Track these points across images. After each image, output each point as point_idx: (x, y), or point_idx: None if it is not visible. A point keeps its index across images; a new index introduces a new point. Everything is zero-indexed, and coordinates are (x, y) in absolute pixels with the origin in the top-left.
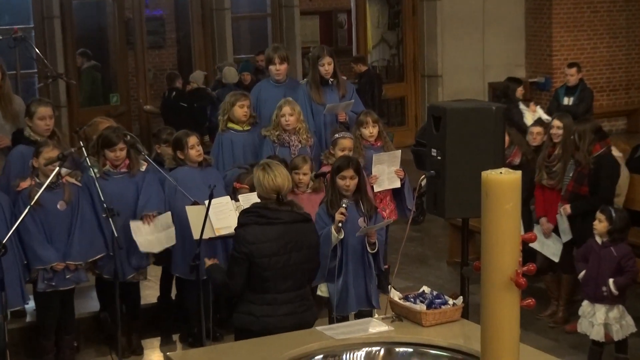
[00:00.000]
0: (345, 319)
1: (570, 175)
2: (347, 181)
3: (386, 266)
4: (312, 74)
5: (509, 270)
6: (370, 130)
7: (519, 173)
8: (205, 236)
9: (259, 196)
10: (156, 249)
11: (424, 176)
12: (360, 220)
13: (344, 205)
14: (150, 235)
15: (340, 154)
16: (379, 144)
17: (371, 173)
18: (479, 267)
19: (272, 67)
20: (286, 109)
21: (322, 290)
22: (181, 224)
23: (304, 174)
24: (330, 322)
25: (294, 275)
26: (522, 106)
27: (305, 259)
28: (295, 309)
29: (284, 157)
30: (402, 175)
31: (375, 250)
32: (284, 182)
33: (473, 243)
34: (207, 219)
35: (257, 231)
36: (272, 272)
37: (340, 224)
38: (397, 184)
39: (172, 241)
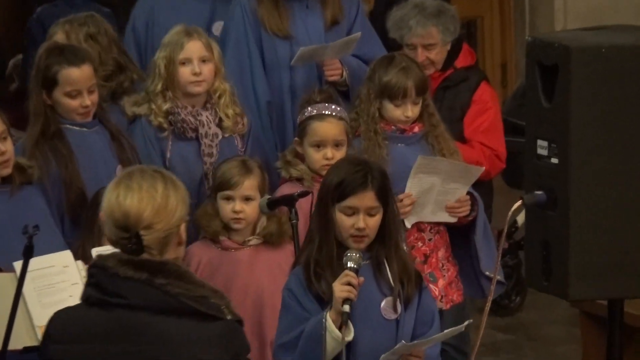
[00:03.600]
0: None
1: None
2: (361, 220)
3: None
4: None
5: None
6: (410, 109)
7: None
8: (16, 344)
9: (108, 239)
10: None
11: (519, 203)
12: (385, 305)
13: (350, 264)
14: None
15: (315, 155)
16: (417, 130)
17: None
18: None
19: None
20: (192, 48)
21: None
22: None
23: (245, 200)
24: None
25: None
26: None
27: None
28: None
29: (189, 163)
30: (464, 209)
31: None
32: (144, 207)
33: (633, 352)
34: (20, 305)
35: (72, 317)
36: None
37: (347, 307)
38: (452, 219)
39: None
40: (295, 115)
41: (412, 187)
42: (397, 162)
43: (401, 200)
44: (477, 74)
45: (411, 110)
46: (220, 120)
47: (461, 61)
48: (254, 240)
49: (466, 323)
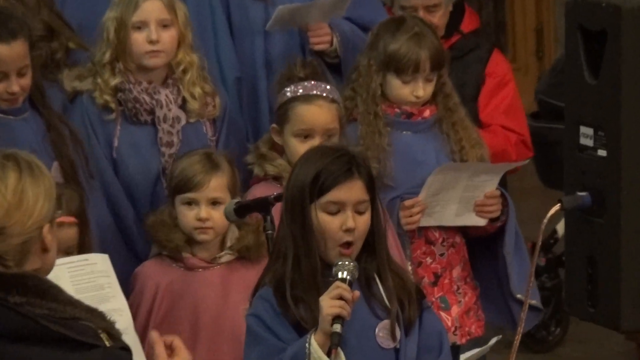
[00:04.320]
0: None
1: None
2: (349, 219)
3: None
4: None
5: None
6: (422, 88)
7: None
8: None
9: None
10: None
11: (557, 207)
12: (381, 330)
13: (343, 275)
14: None
15: (299, 147)
16: (428, 115)
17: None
18: None
19: None
20: (148, 8)
21: None
22: None
23: (212, 205)
24: None
25: None
26: None
27: None
28: None
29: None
30: (494, 209)
31: None
32: None
33: None
34: None
35: None
36: None
37: (338, 327)
38: (480, 221)
39: None
40: (271, 95)
41: (431, 186)
42: (401, 155)
43: (408, 208)
44: (487, 41)
45: (423, 89)
46: (184, 101)
47: (466, 25)
48: (227, 256)
49: (494, 340)
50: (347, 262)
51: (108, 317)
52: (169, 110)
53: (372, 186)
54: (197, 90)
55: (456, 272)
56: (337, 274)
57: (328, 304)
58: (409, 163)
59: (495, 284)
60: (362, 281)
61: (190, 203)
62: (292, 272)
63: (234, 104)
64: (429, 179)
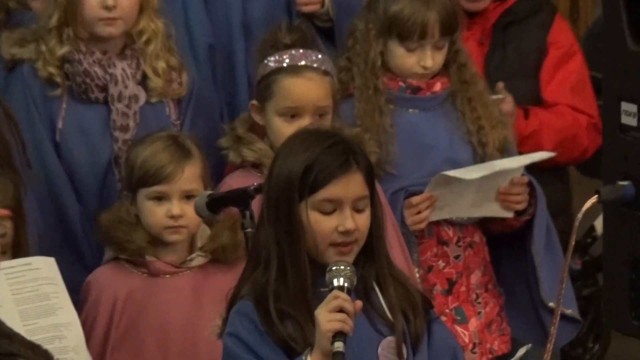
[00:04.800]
0: None
1: None
2: (347, 219)
3: None
4: None
5: None
6: (430, 57)
7: None
8: None
9: None
10: None
11: (594, 199)
12: (385, 348)
13: (340, 282)
14: None
15: (285, 128)
16: (439, 89)
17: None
18: None
19: None
20: None
21: None
22: None
23: (186, 198)
24: None
25: None
26: None
27: None
28: None
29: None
30: (520, 199)
31: None
32: None
33: None
34: None
35: None
36: None
37: (340, 345)
38: (504, 212)
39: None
40: (251, 66)
41: (436, 184)
42: (406, 137)
43: (415, 205)
44: (548, 3)
45: (431, 58)
46: (145, 77)
47: None
48: (198, 259)
49: (522, 351)
50: (342, 267)
51: (50, 355)
52: (125, 87)
53: (371, 178)
54: (161, 65)
55: (475, 277)
56: (332, 282)
57: (326, 318)
58: (416, 147)
59: (522, 290)
60: (360, 291)
61: (159, 198)
62: (276, 283)
63: (206, 76)
64: (432, 181)
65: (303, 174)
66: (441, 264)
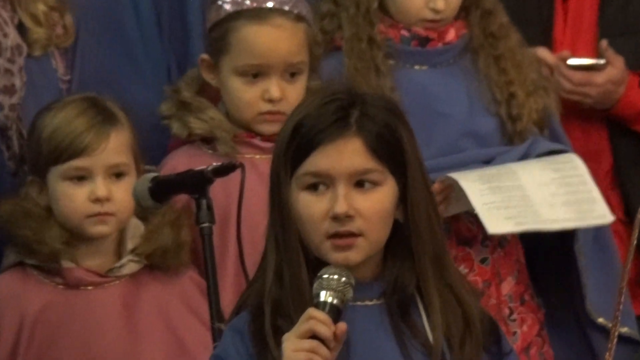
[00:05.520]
0: None
1: None
2: (339, 201)
3: None
4: None
5: None
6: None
7: None
8: None
9: None
10: None
11: None
12: None
13: (323, 296)
14: None
15: (245, 93)
16: (453, 38)
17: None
18: None
19: None
20: None
21: None
22: None
23: (114, 177)
24: None
25: None
26: None
27: None
28: None
29: None
30: None
31: None
32: None
33: None
34: None
35: None
36: None
37: None
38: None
39: None
40: (202, 11)
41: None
42: (412, 103)
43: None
44: None
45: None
46: (22, 25)
47: None
48: (130, 265)
49: None
50: (332, 276)
51: None
52: (5, 35)
53: (386, 148)
54: (41, 8)
55: (507, 286)
56: (318, 295)
57: (292, 347)
58: (425, 115)
59: (563, 301)
60: (393, 303)
61: (79, 177)
62: (275, 290)
63: (147, 19)
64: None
65: (288, 140)
66: (463, 270)
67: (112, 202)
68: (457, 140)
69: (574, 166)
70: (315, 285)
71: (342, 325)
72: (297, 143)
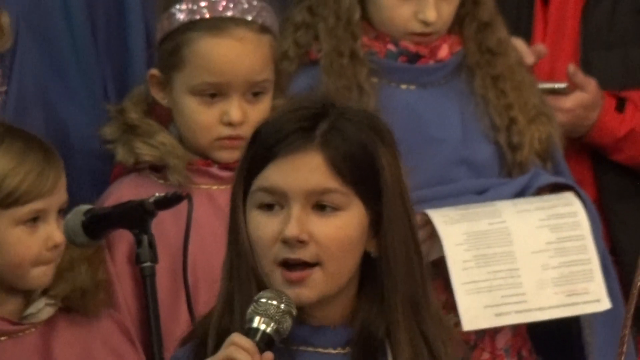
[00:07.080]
0: None
1: None
2: (291, 222)
3: None
4: None
5: None
6: (433, 7)
7: None
8: None
9: None
10: None
11: None
12: None
13: (255, 322)
14: None
15: (197, 109)
16: (445, 55)
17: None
18: None
19: None
20: None
21: None
22: None
23: (59, 215)
24: None
25: None
26: None
27: None
28: None
29: None
30: None
31: None
32: None
33: None
34: None
35: None
36: None
37: None
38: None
39: None
40: (150, 19)
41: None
42: (398, 126)
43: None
44: None
45: (434, 9)
46: None
47: None
48: (46, 310)
49: None
50: (270, 301)
51: None
52: None
53: (359, 168)
54: None
55: (503, 338)
56: (250, 319)
57: None
58: (414, 140)
59: (561, 352)
60: (362, 348)
61: (34, 219)
62: (225, 320)
63: (81, 29)
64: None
65: (247, 149)
66: (454, 318)
67: (62, 244)
68: (449, 168)
69: (575, 222)
70: (250, 308)
71: (268, 356)
72: (252, 154)
